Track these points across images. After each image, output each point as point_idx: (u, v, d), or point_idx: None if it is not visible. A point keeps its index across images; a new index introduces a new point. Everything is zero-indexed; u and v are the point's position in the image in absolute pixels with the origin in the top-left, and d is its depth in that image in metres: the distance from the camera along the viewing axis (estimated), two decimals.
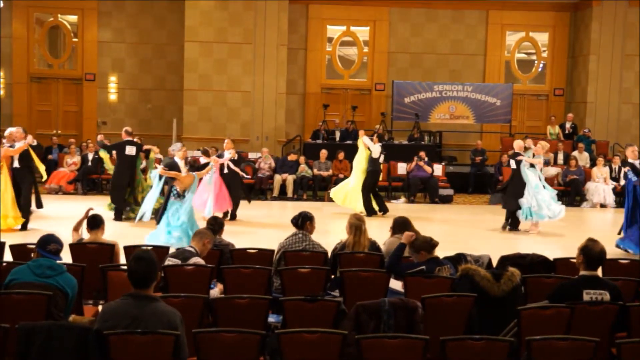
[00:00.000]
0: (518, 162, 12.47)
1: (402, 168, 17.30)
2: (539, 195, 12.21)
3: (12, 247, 6.96)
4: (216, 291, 6.26)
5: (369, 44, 21.32)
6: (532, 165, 12.37)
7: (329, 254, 7.13)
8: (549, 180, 15.28)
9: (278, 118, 19.95)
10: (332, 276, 6.77)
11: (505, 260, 6.88)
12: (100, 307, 6.32)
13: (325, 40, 21.34)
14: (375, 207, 13.87)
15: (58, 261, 5.35)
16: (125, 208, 12.87)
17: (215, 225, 7.36)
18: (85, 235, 7.28)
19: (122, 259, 7.01)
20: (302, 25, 20.98)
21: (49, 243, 5.37)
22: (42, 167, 12.47)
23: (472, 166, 18.71)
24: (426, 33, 21.26)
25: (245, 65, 19.64)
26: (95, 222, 7.06)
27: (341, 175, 16.69)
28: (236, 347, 4.45)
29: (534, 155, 12.50)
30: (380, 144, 14.16)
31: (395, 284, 6.40)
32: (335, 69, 21.53)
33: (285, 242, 7.09)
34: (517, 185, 12.44)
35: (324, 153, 17.22)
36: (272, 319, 5.68)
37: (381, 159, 14.24)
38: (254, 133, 19.87)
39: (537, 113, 21.75)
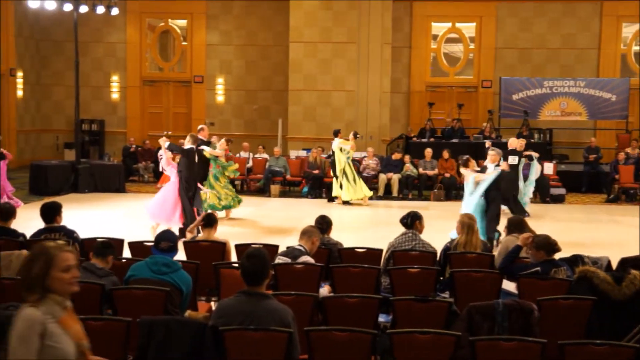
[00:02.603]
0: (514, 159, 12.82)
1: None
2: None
3: (130, 244, 7.22)
4: (325, 290, 6.27)
5: (475, 40, 20.90)
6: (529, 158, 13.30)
7: (439, 254, 7.01)
8: None
9: (382, 117, 19.86)
10: (441, 277, 6.65)
11: (626, 263, 6.56)
12: (212, 304, 6.50)
13: (430, 37, 21.08)
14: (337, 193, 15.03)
15: (174, 258, 5.50)
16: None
17: (324, 223, 7.34)
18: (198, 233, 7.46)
19: (233, 257, 7.12)
20: (406, 23, 20.81)
21: (161, 241, 5.55)
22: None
23: (586, 164, 17.97)
24: (535, 27, 20.61)
25: (349, 64, 19.67)
26: (209, 221, 7.24)
27: (447, 175, 16.42)
28: (347, 346, 4.43)
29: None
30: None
31: (508, 285, 6.23)
32: (440, 67, 21.23)
33: (394, 242, 7.05)
34: (515, 184, 12.87)
35: (429, 152, 16.98)
36: (381, 318, 5.63)
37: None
38: (358, 132, 19.80)
39: None
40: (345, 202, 15.08)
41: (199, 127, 12.64)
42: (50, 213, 7.12)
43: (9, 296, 5.20)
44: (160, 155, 11.23)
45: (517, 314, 5.10)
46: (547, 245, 6.04)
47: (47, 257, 3.09)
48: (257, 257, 4.41)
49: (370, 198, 15.73)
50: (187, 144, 10.96)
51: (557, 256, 6.17)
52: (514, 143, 13.14)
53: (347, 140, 15.23)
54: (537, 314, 5.11)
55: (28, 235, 7.17)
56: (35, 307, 3.05)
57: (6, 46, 19.89)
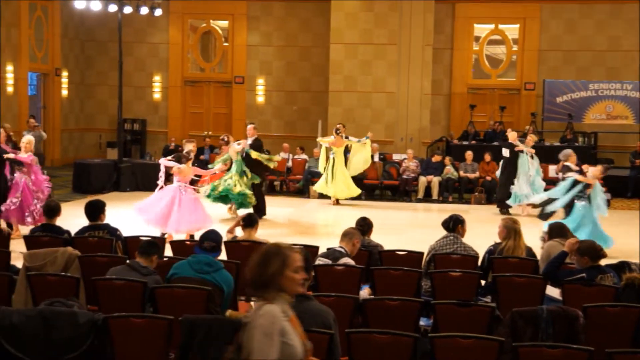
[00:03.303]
0: (513, 152, 13.90)
1: (553, 170, 16.56)
2: (532, 185, 13.71)
3: (171, 243, 7.30)
4: (365, 292, 6.24)
5: (519, 42, 20.63)
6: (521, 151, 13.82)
7: (480, 258, 6.92)
8: None
9: (423, 119, 19.73)
10: (482, 282, 6.56)
11: None
12: (252, 304, 6.50)
13: (472, 39, 20.88)
14: None
15: (217, 257, 5.51)
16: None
17: (364, 225, 7.31)
18: (238, 233, 7.47)
19: None
20: (448, 24, 20.65)
21: (205, 240, 5.57)
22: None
23: (632, 169, 17.59)
24: (581, 29, 20.26)
25: (390, 66, 19.59)
26: (250, 221, 7.24)
27: (488, 178, 16.24)
28: (388, 349, 4.40)
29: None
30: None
31: (552, 291, 6.12)
32: (482, 69, 21.02)
33: (435, 245, 6.98)
34: (509, 174, 13.93)
35: (469, 154, 16.81)
36: (421, 322, 5.58)
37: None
38: (399, 134, 19.77)
39: None
40: (321, 195, 15.24)
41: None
42: (95, 211, 7.22)
43: (54, 292, 5.28)
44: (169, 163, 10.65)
45: (561, 321, 5.01)
46: (592, 251, 5.92)
47: (283, 257, 3.17)
48: None
49: (410, 201, 15.59)
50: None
51: (602, 262, 6.04)
52: (511, 136, 14.28)
53: (330, 137, 15.31)
54: (582, 321, 5.01)
55: (72, 233, 7.28)
56: (272, 304, 3.12)
57: (52, 46, 20.31)
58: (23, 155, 10.38)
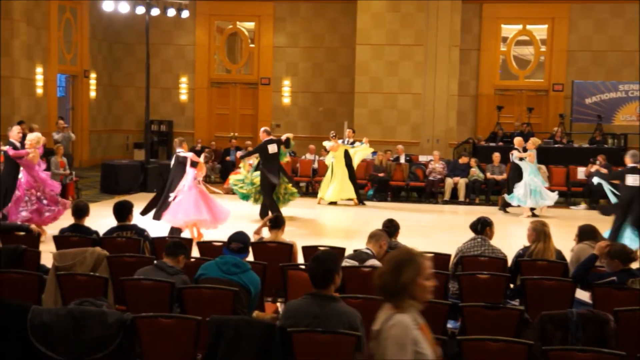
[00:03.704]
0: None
1: (581, 173, 16.38)
2: (530, 186, 13.95)
3: (199, 244, 7.33)
4: None
5: (547, 43, 20.43)
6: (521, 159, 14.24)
7: (509, 261, 6.85)
8: None
9: (449, 120, 19.62)
10: (511, 285, 6.50)
11: None
12: (279, 305, 6.50)
13: (500, 39, 20.72)
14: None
15: (244, 259, 5.52)
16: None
17: (391, 227, 7.27)
18: (265, 234, 7.48)
19: (300, 259, 7.12)
20: (475, 25, 20.51)
21: (232, 241, 5.58)
22: None
23: None
24: (611, 29, 20.01)
25: (416, 67, 19.51)
26: (276, 222, 7.25)
27: None
28: None
29: (525, 150, 14.32)
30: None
31: (581, 295, 6.04)
32: (510, 70, 20.84)
33: (463, 247, 6.93)
34: (513, 178, 14.50)
35: (497, 156, 16.66)
36: (448, 324, 5.55)
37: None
38: (425, 135, 19.68)
39: None
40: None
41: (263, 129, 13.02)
42: (123, 212, 7.26)
43: (83, 292, 5.31)
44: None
45: (592, 324, 4.93)
46: (623, 254, 5.84)
47: (416, 264, 3.13)
48: (326, 259, 4.39)
49: (436, 202, 15.50)
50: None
51: (633, 266, 5.96)
52: (516, 141, 14.81)
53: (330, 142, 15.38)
54: (613, 325, 4.93)
55: (101, 233, 7.33)
56: (404, 313, 3.10)
57: (81, 48, 20.53)
58: (15, 149, 10.04)
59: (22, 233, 7.40)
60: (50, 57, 19.05)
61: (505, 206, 14.72)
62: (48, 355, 4.51)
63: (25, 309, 4.55)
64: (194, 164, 10.38)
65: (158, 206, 10.45)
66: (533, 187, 14.03)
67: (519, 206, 14.30)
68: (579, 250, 6.63)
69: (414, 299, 3.11)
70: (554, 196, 14.20)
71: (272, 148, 12.71)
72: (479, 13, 20.51)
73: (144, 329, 4.60)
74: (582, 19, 20.12)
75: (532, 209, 14.19)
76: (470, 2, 19.97)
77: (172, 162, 10.76)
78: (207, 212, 10.18)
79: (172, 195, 10.27)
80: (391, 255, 3.22)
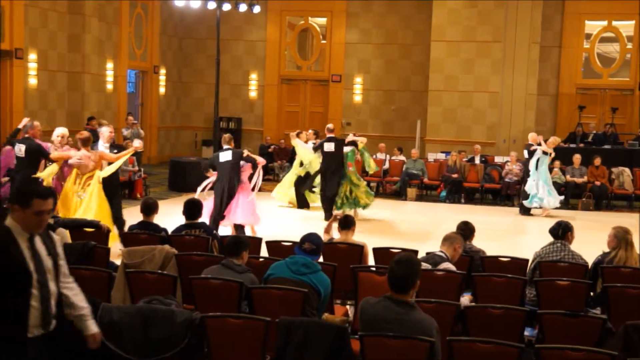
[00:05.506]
0: (531, 153, 14.24)
1: None
2: (539, 183, 13.93)
3: (267, 243, 7.21)
4: (466, 299, 5.99)
5: (634, 40, 19.55)
6: (544, 153, 14.09)
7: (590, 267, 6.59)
8: None
9: (527, 120, 18.97)
10: (591, 293, 6.20)
11: None
12: (349, 307, 6.31)
13: (583, 36, 19.94)
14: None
15: (316, 261, 5.37)
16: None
17: (466, 230, 7.06)
18: (335, 235, 7.31)
19: (371, 260, 6.95)
20: (557, 21, 19.78)
21: (305, 242, 5.43)
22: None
23: None
24: None
25: (493, 64, 18.93)
26: (346, 223, 7.07)
27: (597, 183, 15.35)
28: (491, 359, 4.19)
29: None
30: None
31: None
32: (593, 68, 20.02)
33: (541, 252, 6.69)
34: (525, 176, 14.41)
35: (577, 158, 15.97)
36: (525, 332, 5.33)
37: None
38: (501, 136, 19.07)
39: None
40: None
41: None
42: (194, 210, 7.23)
43: (152, 290, 5.26)
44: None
45: None
46: None
47: None
48: (408, 263, 4.21)
49: (512, 205, 15.02)
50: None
51: None
52: (530, 137, 14.70)
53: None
54: None
55: (169, 231, 7.25)
56: None
57: (151, 44, 20.69)
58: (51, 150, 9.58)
59: (92, 229, 7.39)
60: (120, 53, 19.22)
61: (525, 212, 14.33)
62: (117, 353, 4.50)
63: (96, 305, 4.54)
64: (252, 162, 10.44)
65: (220, 207, 10.37)
66: (545, 184, 14.03)
67: (540, 207, 14.14)
68: None
69: None
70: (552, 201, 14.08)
71: (328, 146, 12.62)
72: (561, 9, 19.80)
73: (213, 329, 4.55)
74: None
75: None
76: None
77: (225, 158, 10.36)
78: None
79: (242, 196, 10.42)
80: None
